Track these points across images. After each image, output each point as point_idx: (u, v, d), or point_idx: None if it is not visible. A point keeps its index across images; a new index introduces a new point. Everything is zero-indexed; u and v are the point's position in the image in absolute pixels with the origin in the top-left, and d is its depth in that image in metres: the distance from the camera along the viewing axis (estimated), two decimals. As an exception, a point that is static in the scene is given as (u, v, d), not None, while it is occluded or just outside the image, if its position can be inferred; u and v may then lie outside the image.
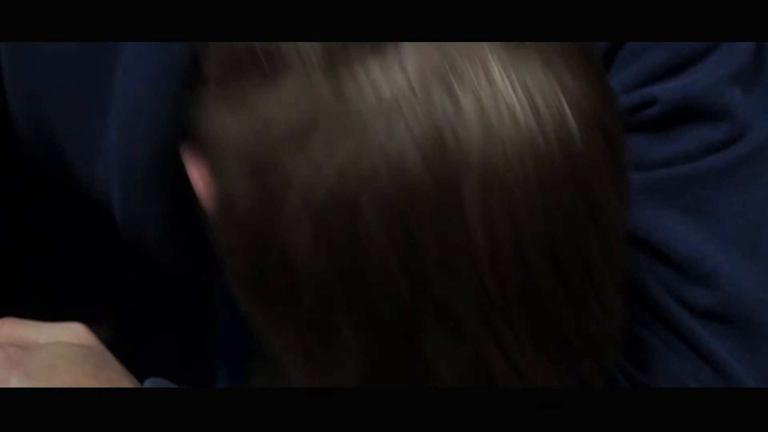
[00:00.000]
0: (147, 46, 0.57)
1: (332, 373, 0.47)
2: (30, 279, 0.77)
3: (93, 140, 0.62)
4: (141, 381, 0.63)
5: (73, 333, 0.64)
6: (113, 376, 0.63)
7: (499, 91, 0.42)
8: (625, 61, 0.64)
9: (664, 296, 0.65)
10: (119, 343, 0.67)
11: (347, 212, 0.43)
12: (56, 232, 0.76)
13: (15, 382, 0.62)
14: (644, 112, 0.64)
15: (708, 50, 0.63)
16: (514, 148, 0.42)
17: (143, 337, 0.79)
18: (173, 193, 0.58)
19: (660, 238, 0.65)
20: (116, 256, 0.70)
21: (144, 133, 0.60)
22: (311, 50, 0.43)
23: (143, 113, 0.59)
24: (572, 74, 0.44)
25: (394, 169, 0.42)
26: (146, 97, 0.59)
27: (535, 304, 0.44)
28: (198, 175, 0.49)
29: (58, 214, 0.74)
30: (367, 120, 0.42)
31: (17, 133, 0.67)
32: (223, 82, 0.46)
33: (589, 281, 0.45)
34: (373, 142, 0.42)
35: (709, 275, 0.64)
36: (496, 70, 0.42)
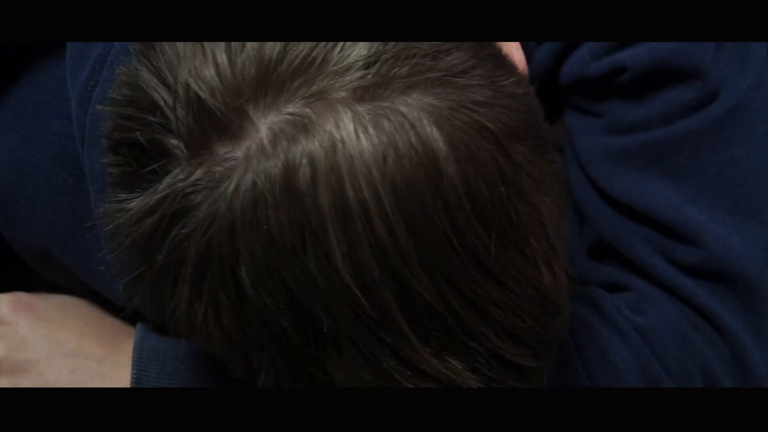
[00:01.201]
0: None
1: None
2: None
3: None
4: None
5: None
6: (114, 321, 0.66)
7: (347, 134, 0.43)
8: None
9: (653, 255, 0.66)
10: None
11: (225, 267, 0.45)
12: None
13: (24, 323, 0.64)
14: (617, 79, 0.64)
15: None
16: (363, 176, 0.43)
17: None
18: None
19: (642, 203, 0.65)
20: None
21: None
22: (179, 145, 0.45)
23: None
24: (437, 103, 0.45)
25: (251, 221, 0.43)
26: None
27: (418, 312, 0.45)
28: None
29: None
30: (223, 178, 0.44)
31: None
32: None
33: (473, 282, 0.46)
34: (228, 200, 0.44)
35: (694, 235, 0.65)
36: (348, 120, 0.43)
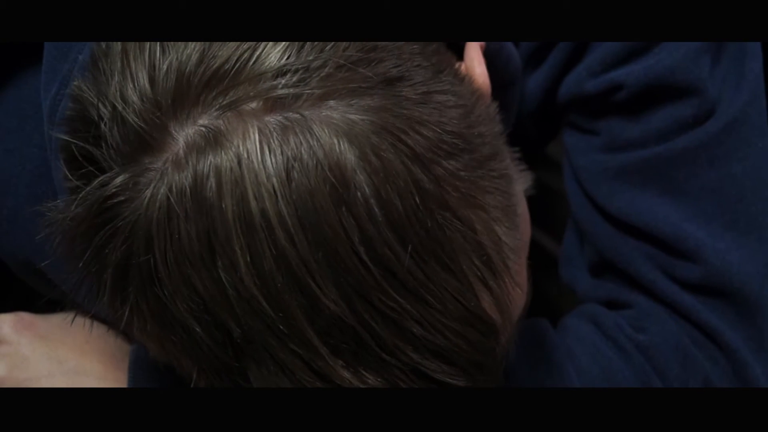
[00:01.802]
0: None
1: None
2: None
3: None
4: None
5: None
6: (116, 340, 0.66)
7: (252, 146, 0.43)
8: (594, 46, 0.65)
9: (653, 271, 0.66)
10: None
11: (144, 275, 0.45)
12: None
13: (25, 342, 0.65)
14: (614, 97, 0.65)
15: None
16: (264, 188, 0.43)
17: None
18: None
19: (641, 220, 0.66)
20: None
21: None
22: (108, 158, 0.46)
23: None
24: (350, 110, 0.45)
25: (165, 231, 0.44)
26: None
27: (328, 324, 0.45)
28: None
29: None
30: (142, 188, 0.45)
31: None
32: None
33: (384, 296, 0.45)
34: (144, 210, 0.45)
35: (693, 251, 0.65)
36: (255, 131, 0.44)
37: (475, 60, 0.57)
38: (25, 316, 0.66)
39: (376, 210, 0.44)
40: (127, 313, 0.47)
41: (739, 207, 0.66)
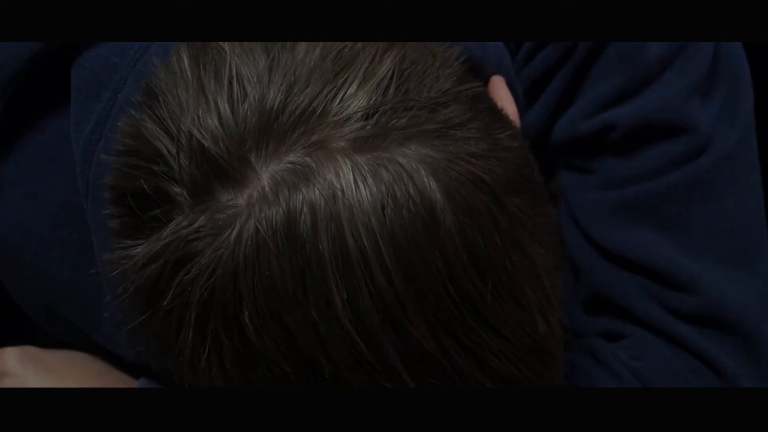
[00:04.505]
0: None
1: None
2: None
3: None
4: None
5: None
6: (121, 375, 0.68)
7: (347, 183, 0.44)
8: (586, 89, 0.67)
9: (649, 303, 0.67)
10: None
11: (228, 312, 0.45)
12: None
13: (31, 375, 0.66)
14: (607, 137, 0.66)
15: (662, 69, 0.65)
16: (362, 225, 0.44)
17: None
18: None
19: (636, 253, 0.67)
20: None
21: None
22: (182, 193, 0.46)
23: None
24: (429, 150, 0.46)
25: (254, 267, 0.44)
26: None
27: (416, 358, 0.46)
28: None
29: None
30: (226, 225, 0.45)
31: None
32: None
33: (470, 331, 0.46)
34: (231, 247, 0.45)
35: (689, 282, 0.66)
36: (348, 169, 0.44)
37: (506, 100, 0.59)
38: (31, 350, 0.67)
39: (461, 248, 0.45)
40: (206, 352, 0.47)
41: (732, 241, 0.67)
